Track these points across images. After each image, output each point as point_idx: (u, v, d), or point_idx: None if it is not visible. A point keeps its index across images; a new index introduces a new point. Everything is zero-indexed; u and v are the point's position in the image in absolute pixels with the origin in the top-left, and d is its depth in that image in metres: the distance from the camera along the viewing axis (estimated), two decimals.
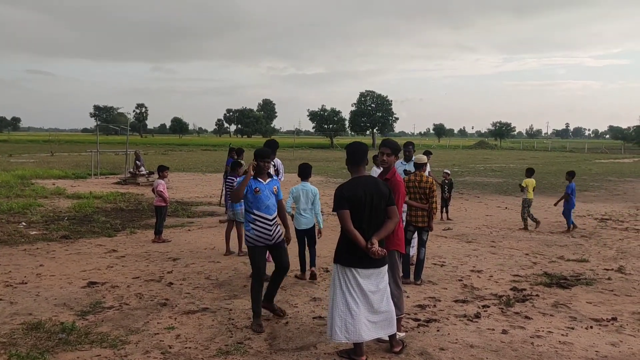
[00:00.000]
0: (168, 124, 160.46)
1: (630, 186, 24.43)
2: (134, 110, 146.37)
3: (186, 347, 5.12)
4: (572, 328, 5.88)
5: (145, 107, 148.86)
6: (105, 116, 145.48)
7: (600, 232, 12.24)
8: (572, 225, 12.42)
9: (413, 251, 8.08)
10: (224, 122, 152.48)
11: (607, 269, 8.62)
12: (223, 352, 5.01)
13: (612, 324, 6.04)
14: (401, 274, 5.77)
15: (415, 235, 7.81)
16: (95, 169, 24.60)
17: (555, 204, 13.48)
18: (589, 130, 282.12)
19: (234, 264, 8.59)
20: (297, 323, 5.87)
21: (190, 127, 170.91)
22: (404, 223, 7.63)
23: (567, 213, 12.51)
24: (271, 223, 5.85)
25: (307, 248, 7.87)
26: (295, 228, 7.78)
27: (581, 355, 5.13)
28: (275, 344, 5.25)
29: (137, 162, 22.13)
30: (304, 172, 7.83)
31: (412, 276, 7.65)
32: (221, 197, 14.66)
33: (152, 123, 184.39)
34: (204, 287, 7.26)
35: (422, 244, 7.79)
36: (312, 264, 7.77)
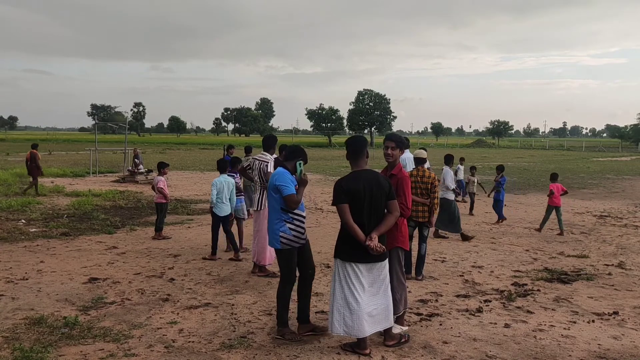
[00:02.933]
0: (166, 123, 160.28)
1: (629, 184, 24.49)
2: (131, 109, 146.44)
3: (189, 342, 5.12)
4: (574, 322, 5.90)
5: (143, 106, 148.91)
6: (103, 115, 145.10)
7: (600, 228, 12.27)
8: (501, 219, 12.81)
9: None
10: (222, 121, 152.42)
11: (608, 265, 8.64)
12: (227, 346, 5.01)
13: (614, 318, 6.06)
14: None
15: (416, 232, 7.82)
16: (94, 168, 24.56)
17: (488, 195, 14.73)
18: (586, 129, 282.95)
19: (235, 260, 8.58)
20: None
21: (188, 126, 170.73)
22: None
23: (497, 205, 12.98)
24: (305, 220, 5.46)
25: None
26: (216, 215, 8.74)
27: (584, 348, 5.14)
28: (278, 338, 5.25)
29: (136, 160, 22.11)
30: (222, 167, 8.96)
31: (413, 272, 7.66)
32: None
33: (149, 122, 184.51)
34: (206, 282, 7.26)
35: (423, 239, 7.80)
36: (236, 249, 8.70)
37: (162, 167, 10.53)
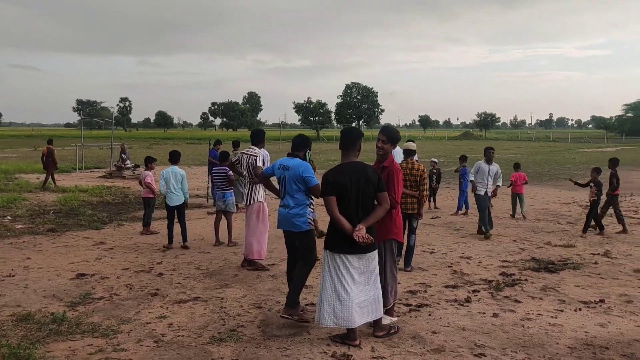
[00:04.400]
0: (152, 118, 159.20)
1: None
2: (117, 104, 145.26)
3: (179, 336, 5.11)
4: (561, 310, 5.96)
5: (129, 101, 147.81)
6: (89, 110, 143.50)
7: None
8: (464, 210, 12.94)
9: None
10: (209, 115, 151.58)
11: (594, 254, 8.74)
12: (216, 340, 5.00)
13: (600, 306, 6.14)
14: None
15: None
16: (80, 163, 24.34)
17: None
18: (572, 120, 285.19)
19: (224, 254, 8.57)
20: None
21: (175, 120, 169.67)
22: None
23: (460, 196, 13.11)
24: None
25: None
26: (167, 204, 9.00)
27: (571, 336, 5.20)
28: (268, 331, 5.25)
29: (123, 155, 21.95)
30: (173, 158, 9.22)
31: (402, 263, 7.67)
32: (208, 190, 14.61)
33: (136, 117, 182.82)
34: (195, 277, 7.24)
35: (412, 231, 7.83)
36: (184, 239, 8.94)
37: (149, 162, 10.45)
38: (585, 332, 5.32)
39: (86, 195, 15.20)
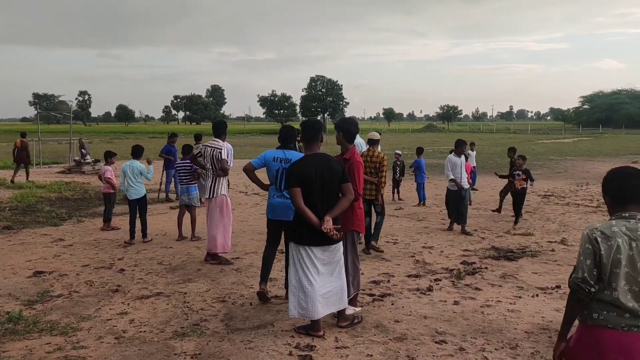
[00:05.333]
0: (113, 112, 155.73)
1: (571, 164, 25.53)
2: (76, 98, 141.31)
3: (141, 331, 5.04)
4: (520, 297, 6.13)
5: (89, 95, 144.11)
6: (46, 104, 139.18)
7: (544, 207, 12.75)
8: (423, 201, 13.14)
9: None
10: (172, 109, 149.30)
11: (551, 242, 9.00)
12: (179, 335, 4.96)
13: (556, 291, 6.33)
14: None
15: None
16: (37, 159, 23.64)
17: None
18: (531, 112, 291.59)
19: (187, 249, 8.48)
20: (254, 303, 5.86)
21: (137, 114, 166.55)
22: None
23: (418, 188, 13.32)
24: None
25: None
26: (127, 199, 8.99)
27: (528, 321, 5.36)
28: (232, 324, 5.23)
29: (82, 150, 21.42)
30: (135, 152, 9.29)
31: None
32: (160, 186, 14.39)
33: (96, 111, 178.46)
34: (157, 272, 7.14)
35: (378, 213, 8.24)
36: (144, 234, 8.93)
37: (109, 157, 10.23)
38: (542, 317, 5.48)
39: (44, 192, 14.78)
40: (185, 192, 9.27)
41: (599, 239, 2.68)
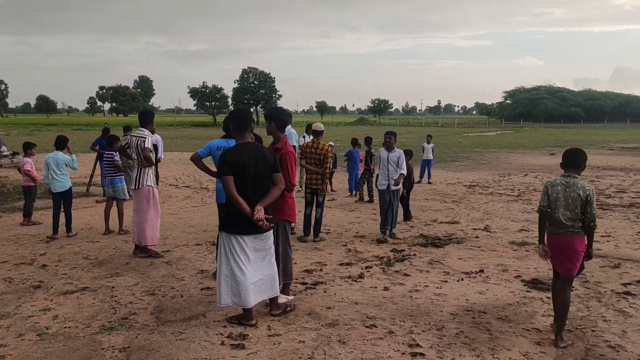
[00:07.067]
0: (33, 103, 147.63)
1: (494, 156, 26.71)
2: None
3: (65, 327, 4.85)
4: (446, 281, 6.38)
5: (5, 84, 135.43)
6: None
7: (469, 197, 13.28)
8: (355, 192, 13.26)
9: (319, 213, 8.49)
10: (97, 100, 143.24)
11: (475, 229, 9.40)
12: (107, 329, 4.81)
13: (480, 275, 6.64)
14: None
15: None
16: None
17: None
18: (458, 106, 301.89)
19: (115, 243, 8.22)
20: (185, 295, 5.78)
21: (59, 105, 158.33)
22: (303, 187, 8.79)
23: (349, 178, 13.57)
24: None
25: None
26: (52, 192, 8.64)
27: (454, 304, 5.59)
28: (162, 317, 5.14)
29: None
30: (59, 143, 8.85)
31: (311, 234, 8.40)
32: (91, 180, 13.90)
33: (14, 102, 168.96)
34: (83, 267, 6.88)
35: (319, 205, 8.41)
36: (68, 228, 8.60)
37: (28, 148, 9.72)
38: (467, 299, 5.74)
39: None
40: (110, 185, 8.98)
41: (549, 186, 4.69)
